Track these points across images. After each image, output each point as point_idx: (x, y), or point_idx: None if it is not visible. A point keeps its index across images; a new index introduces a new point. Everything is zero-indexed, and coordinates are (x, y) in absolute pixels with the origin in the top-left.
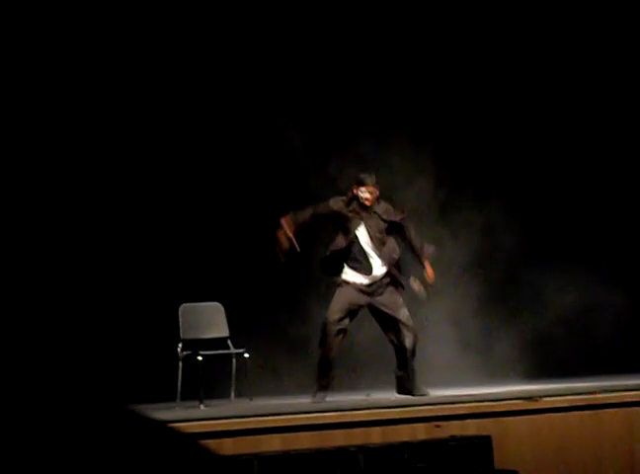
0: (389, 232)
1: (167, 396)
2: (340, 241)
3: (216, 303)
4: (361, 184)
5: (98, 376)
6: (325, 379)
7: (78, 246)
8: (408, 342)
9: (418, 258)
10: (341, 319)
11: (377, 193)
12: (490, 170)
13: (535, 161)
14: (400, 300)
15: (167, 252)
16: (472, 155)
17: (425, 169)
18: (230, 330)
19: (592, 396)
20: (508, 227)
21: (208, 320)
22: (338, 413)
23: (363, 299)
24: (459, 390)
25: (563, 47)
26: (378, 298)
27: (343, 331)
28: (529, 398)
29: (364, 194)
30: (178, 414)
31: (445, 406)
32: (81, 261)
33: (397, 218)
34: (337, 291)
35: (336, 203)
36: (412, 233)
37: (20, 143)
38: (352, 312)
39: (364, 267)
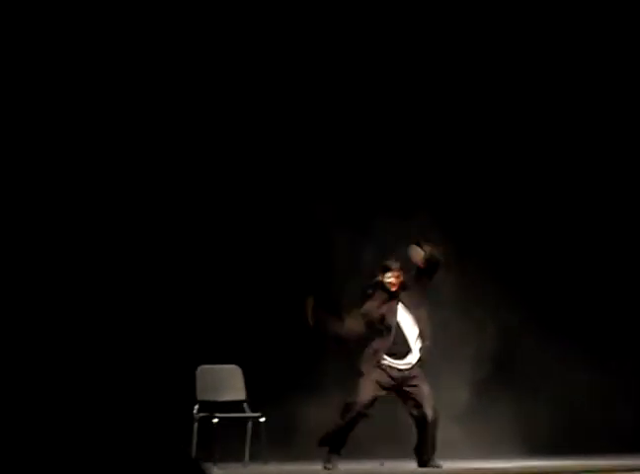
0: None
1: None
2: (379, 331)
3: (234, 366)
4: (387, 270)
5: (113, 435)
6: (337, 446)
7: (96, 301)
8: (429, 415)
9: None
10: (371, 403)
11: (402, 277)
12: (488, 242)
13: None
14: (422, 375)
15: (186, 312)
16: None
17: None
18: (247, 393)
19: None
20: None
21: (226, 382)
22: None
23: (394, 384)
24: (471, 463)
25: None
26: (408, 381)
27: (367, 414)
28: None
29: (390, 279)
30: None
31: None
32: (100, 317)
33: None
34: (371, 372)
35: (367, 310)
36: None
37: (20, 149)
38: (380, 396)
39: (402, 352)
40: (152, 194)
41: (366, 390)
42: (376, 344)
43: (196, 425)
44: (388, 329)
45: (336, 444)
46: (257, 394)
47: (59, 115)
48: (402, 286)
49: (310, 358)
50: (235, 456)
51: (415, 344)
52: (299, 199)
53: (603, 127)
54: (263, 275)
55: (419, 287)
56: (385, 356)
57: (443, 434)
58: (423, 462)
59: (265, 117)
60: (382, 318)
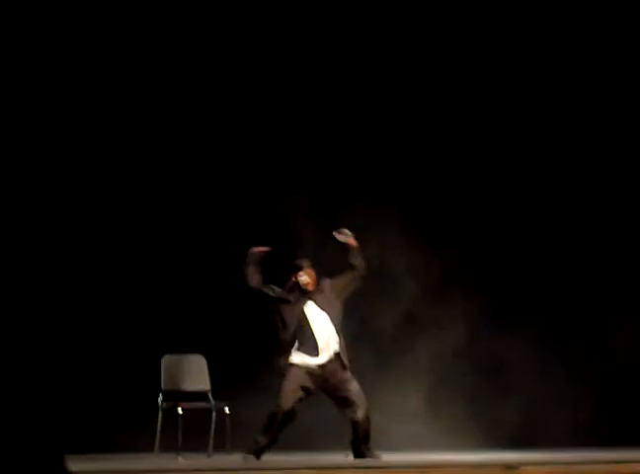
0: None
1: (146, 447)
2: (289, 327)
3: (199, 355)
4: (298, 269)
5: (77, 423)
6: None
7: (61, 293)
8: (360, 414)
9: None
10: (293, 408)
11: (314, 275)
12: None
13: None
14: (348, 375)
15: (150, 302)
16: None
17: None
18: (212, 383)
19: (573, 467)
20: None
21: (190, 372)
22: (315, 471)
23: (315, 382)
24: (438, 455)
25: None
26: (329, 379)
27: (293, 418)
28: (509, 467)
29: (303, 277)
30: (155, 465)
31: (422, 470)
32: (65, 309)
33: (345, 277)
34: (287, 376)
35: (279, 292)
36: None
37: (13, 147)
38: (303, 398)
39: (313, 350)
40: (114, 186)
41: (287, 393)
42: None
43: (160, 414)
44: (300, 326)
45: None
46: (222, 384)
47: (55, 114)
48: (317, 284)
49: (275, 348)
50: (199, 447)
51: (329, 342)
52: (265, 190)
53: (584, 126)
54: (227, 264)
55: (338, 287)
56: (298, 355)
57: (405, 427)
58: (359, 454)
59: (234, 113)
60: (291, 305)
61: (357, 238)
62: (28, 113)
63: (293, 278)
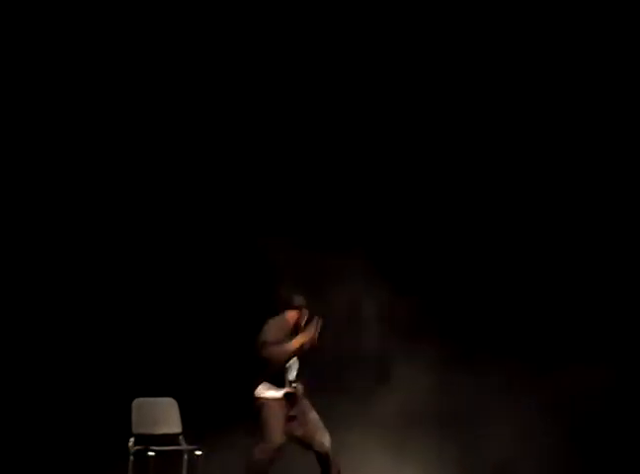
0: None
1: None
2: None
3: (170, 399)
4: (301, 307)
5: (47, 467)
6: None
7: (33, 333)
8: (326, 442)
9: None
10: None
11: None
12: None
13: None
14: (306, 402)
15: (122, 345)
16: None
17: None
18: (183, 426)
19: None
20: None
21: (161, 415)
22: None
23: (289, 411)
24: None
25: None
26: (296, 406)
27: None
28: None
29: (304, 317)
30: None
31: None
32: (38, 349)
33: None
34: (267, 412)
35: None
36: None
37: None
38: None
39: (282, 381)
40: (88, 215)
41: (275, 430)
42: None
43: (131, 458)
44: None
45: None
46: (193, 427)
47: (52, 115)
48: None
49: (246, 390)
50: None
51: (292, 372)
52: (238, 234)
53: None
54: (199, 308)
55: None
56: (268, 387)
57: (375, 464)
58: None
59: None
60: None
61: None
62: (26, 113)
63: (296, 316)
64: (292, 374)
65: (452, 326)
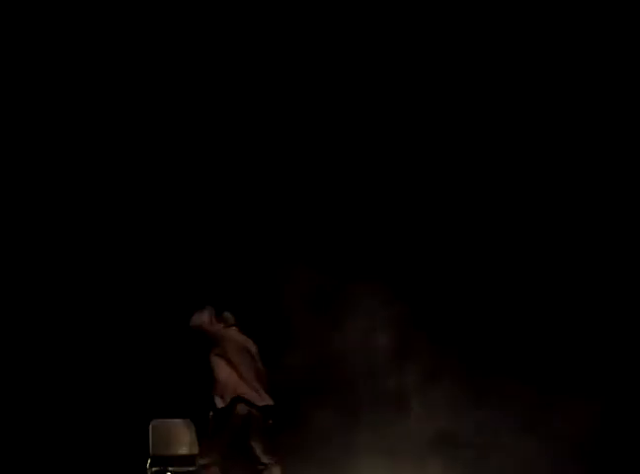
0: None
1: None
2: None
3: (187, 420)
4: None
5: None
6: None
7: (48, 354)
8: None
9: None
10: None
11: None
12: None
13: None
14: None
15: (139, 367)
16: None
17: None
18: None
19: None
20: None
21: (178, 436)
22: None
23: None
24: None
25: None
26: None
27: None
28: None
29: None
30: None
31: None
32: (51, 369)
33: None
34: None
35: None
36: None
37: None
38: None
39: None
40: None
41: None
42: None
43: None
44: None
45: None
46: None
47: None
48: None
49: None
50: None
51: None
52: (254, 267)
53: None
54: None
55: None
56: None
57: None
58: None
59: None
60: None
61: None
62: (25, 112)
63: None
64: None
65: (470, 357)
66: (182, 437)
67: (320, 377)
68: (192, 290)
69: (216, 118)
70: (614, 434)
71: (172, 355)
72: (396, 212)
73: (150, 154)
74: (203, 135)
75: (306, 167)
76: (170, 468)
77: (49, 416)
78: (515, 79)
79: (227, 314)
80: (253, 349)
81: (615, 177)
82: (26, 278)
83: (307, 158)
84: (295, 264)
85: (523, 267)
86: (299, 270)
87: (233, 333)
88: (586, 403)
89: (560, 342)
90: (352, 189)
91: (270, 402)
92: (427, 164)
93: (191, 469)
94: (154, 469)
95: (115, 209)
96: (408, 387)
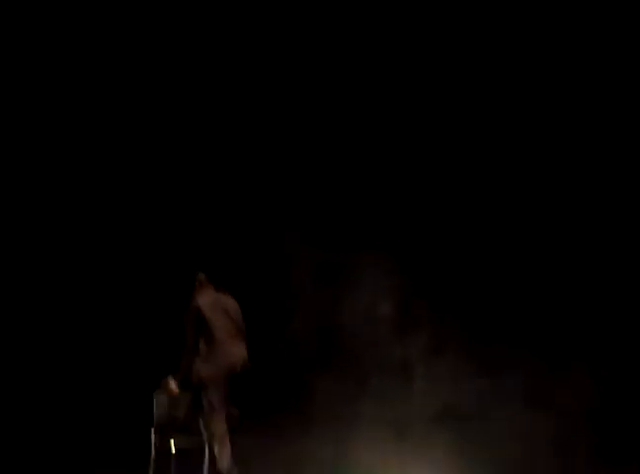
0: None
1: None
2: None
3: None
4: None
5: (71, 460)
6: None
7: (50, 326)
8: None
9: None
10: None
11: None
12: None
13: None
14: None
15: (142, 336)
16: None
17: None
18: None
19: None
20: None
21: (183, 406)
22: None
23: None
24: None
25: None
26: None
27: None
28: None
29: None
30: None
31: None
32: (54, 344)
33: None
34: None
35: None
36: None
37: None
38: None
39: None
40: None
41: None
42: None
43: (153, 451)
44: None
45: None
46: None
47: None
48: None
49: (266, 384)
50: None
51: None
52: (258, 236)
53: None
54: None
55: None
56: None
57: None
58: None
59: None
60: None
61: None
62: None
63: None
64: None
65: (474, 327)
66: (186, 407)
67: (324, 348)
68: (193, 260)
69: (214, 93)
70: (617, 403)
71: (174, 325)
72: (398, 182)
73: (148, 126)
74: (203, 108)
75: (309, 138)
76: (174, 439)
77: (53, 387)
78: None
79: (201, 275)
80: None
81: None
82: (25, 260)
83: (310, 128)
84: (299, 235)
85: (527, 235)
86: (303, 241)
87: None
88: (588, 372)
89: (563, 311)
90: (354, 159)
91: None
92: (428, 134)
93: (194, 438)
94: (158, 440)
95: (112, 185)
96: (412, 358)
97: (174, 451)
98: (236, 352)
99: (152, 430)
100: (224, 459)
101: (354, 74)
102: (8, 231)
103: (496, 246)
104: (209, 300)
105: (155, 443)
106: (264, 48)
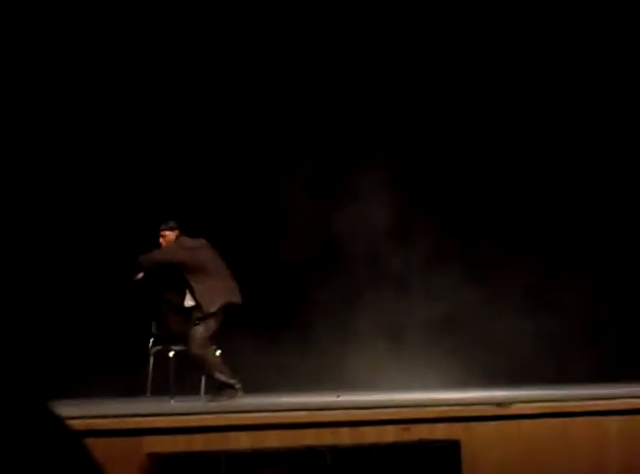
0: None
1: (138, 391)
2: None
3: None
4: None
5: (70, 368)
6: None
7: (56, 239)
8: None
9: None
10: None
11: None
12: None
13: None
14: None
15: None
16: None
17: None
18: None
19: (562, 404)
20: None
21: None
22: (308, 412)
23: None
24: (430, 393)
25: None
26: None
27: None
28: (499, 404)
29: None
30: (148, 408)
31: (415, 409)
32: (60, 253)
33: None
34: None
35: None
36: None
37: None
38: None
39: None
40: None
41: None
42: None
43: (151, 358)
44: None
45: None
46: None
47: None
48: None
49: (268, 292)
50: (191, 390)
51: None
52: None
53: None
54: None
55: None
56: None
57: (400, 366)
58: None
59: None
60: None
61: None
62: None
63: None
64: None
65: (472, 235)
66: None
67: (322, 259)
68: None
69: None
70: (615, 308)
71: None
72: (394, 90)
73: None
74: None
75: (308, 43)
76: (172, 347)
77: (53, 296)
78: None
79: (171, 223)
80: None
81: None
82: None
83: (310, 34)
84: (296, 145)
85: (526, 139)
86: (300, 151)
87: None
88: (587, 278)
89: (561, 216)
90: (350, 66)
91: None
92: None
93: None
94: (156, 348)
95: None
96: (410, 268)
97: (172, 358)
98: (234, 286)
99: (151, 339)
100: (221, 369)
101: None
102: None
103: (494, 153)
104: (197, 243)
105: (153, 351)
106: None
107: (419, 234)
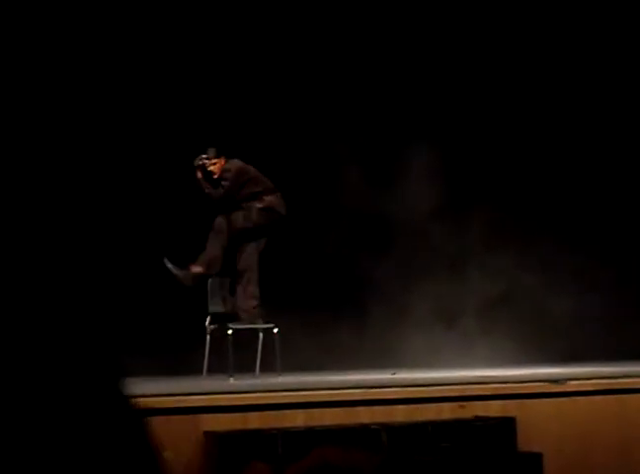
0: None
1: (195, 369)
2: None
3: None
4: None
5: (128, 348)
6: None
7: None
8: None
9: None
10: None
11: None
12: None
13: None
14: None
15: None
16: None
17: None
18: (262, 302)
19: (617, 380)
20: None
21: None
22: (362, 390)
23: None
24: (485, 371)
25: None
26: None
27: None
28: (555, 381)
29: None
30: (206, 387)
31: (471, 386)
32: (112, 233)
33: None
34: None
35: None
36: None
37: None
38: None
39: None
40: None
41: None
42: None
43: (208, 337)
44: None
45: None
46: (269, 304)
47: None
48: None
49: (324, 272)
50: (247, 368)
51: None
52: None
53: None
54: None
55: None
56: None
57: (453, 344)
58: None
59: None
60: None
61: None
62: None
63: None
64: None
65: (524, 218)
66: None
67: (374, 237)
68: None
69: None
70: None
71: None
72: (452, 70)
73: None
74: None
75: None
76: (229, 325)
77: (108, 277)
78: None
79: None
80: None
81: None
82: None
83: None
84: (351, 126)
85: (585, 128)
86: (355, 132)
87: None
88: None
89: (609, 205)
90: (409, 52)
91: None
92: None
93: (249, 326)
94: (212, 327)
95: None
96: (463, 250)
97: (230, 336)
98: None
99: (208, 317)
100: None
101: None
102: None
103: (548, 137)
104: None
105: (210, 330)
106: None
107: (474, 217)
